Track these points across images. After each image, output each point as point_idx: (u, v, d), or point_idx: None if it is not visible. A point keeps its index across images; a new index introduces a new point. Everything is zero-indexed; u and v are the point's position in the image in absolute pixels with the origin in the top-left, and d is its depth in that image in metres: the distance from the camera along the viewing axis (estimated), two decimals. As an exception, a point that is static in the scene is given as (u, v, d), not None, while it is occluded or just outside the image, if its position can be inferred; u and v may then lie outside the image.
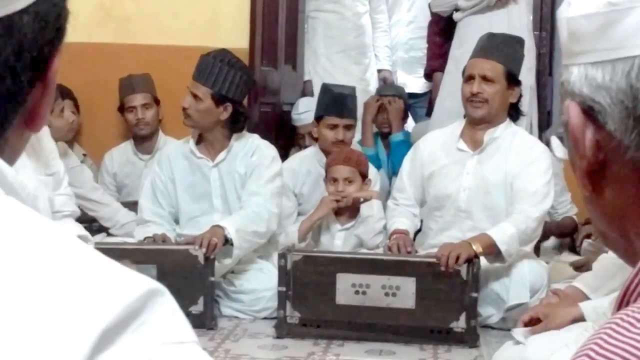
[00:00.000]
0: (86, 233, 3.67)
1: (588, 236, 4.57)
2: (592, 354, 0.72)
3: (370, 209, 4.54)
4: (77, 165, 4.85)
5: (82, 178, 4.78)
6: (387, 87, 6.02)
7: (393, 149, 5.61)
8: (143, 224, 4.49)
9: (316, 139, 4.93)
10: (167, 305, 0.71)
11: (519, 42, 4.55)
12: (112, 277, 0.70)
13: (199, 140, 4.51)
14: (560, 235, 4.92)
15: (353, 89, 5.06)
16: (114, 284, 0.70)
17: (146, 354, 0.67)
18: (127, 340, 0.67)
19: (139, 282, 0.70)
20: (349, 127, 4.88)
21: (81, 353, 0.65)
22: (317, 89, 6.12)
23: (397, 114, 5.70)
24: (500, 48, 4.34)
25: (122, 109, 5.27)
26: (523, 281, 4.15)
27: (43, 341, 0.65)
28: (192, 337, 0.72)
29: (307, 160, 4.90)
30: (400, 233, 4.32)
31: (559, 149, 0.90)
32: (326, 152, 4.76)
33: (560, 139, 0.90)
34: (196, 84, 4.35)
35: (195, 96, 4.34)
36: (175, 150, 4.56)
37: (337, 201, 4.47)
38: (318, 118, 4.89)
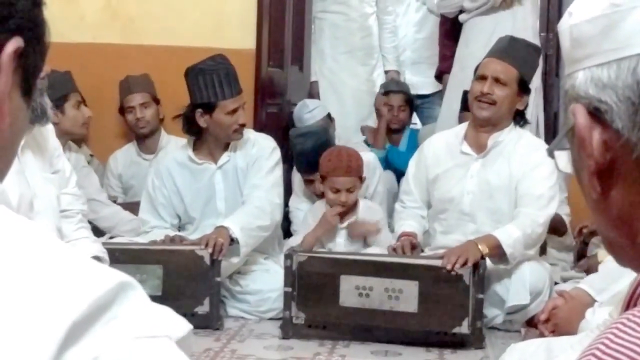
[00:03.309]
0: (103, 254, 3.66)
1: (581, 230, 4.55)
2: (599, 353, 0.73)
3: (369, 209, 4.57)
4: (85, 166, 4.88)
5: (90, 179, 4.80)
6: (391, 82, 6.09)
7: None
8: (145, 233, 4.51)
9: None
10: (138, 298, 0.71)
11: (537, 51, 4.55)
12: (82, 270, 0.70)
13: (196, 146, 4.52)
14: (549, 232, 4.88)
15: (319, 132, 4.88)
16: (84, 277, 0.69)
17: (118, 348, 0.67)
18: (98, 334, 0.67)
19: (110, 276, 0.70)
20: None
21: (51, 346, 0.65)
22: (323, 90, 6.14)
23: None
24: (519, 53, 4.31)
25: (122, 110, 5.28)
26: (523, 283, 4.15)
27: (12, 334, 0.65)
28: (164, 331, 0.71)
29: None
30: (407, 235, 4.32)
31: (562, 162, 0.90)
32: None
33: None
34: (242, 98, 4.42)
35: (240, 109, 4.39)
36: (172, 162, 4.54)
37: (340, 214, 4.47)
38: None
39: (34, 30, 0.80)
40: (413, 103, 6.08)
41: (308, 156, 4.71)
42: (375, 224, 4.50)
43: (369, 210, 4.60)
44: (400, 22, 6.54)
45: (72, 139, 4.90)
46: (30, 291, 0.67)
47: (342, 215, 4.54)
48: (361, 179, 4.52)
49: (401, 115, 5.95)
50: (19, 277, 0.68)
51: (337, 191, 4.45)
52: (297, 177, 5.06)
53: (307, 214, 4.73)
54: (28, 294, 0.67)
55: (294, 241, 4.53)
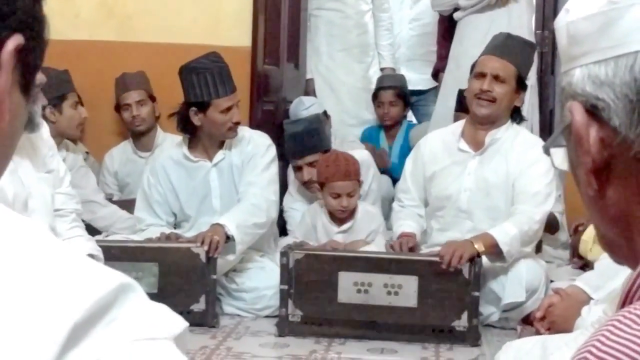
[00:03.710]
0: (98, 252, 3.66)
1: (577, 228, 4.55)
2: (595, 350, 0.73)
3: (367, 214, 4.55)
4: (82, 166, 4.87)
5: (87, 179, 4.80)
6: (384, 78, 6.05)
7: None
8: (141, 231, 4.50)
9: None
10: (139, 300, 0.71)
11: (532, 47, 4.57)
12: (82, 272, 0.70)
13: (191, 144, 4.51)
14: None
15: (312, 119, 4.92)
16: (84, 278, 0.69)
17: (118, 351, 0.67)
18: (99, 336, 0.67)
19: (110, 277, 0.70)
20: (313, 164, 4.71)
21: (53, 348, 0.65)
22: (319, 88, 6.13)
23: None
24: (516, 50, 4.32)
25: (118, 108, 5.28)
26: (519, 280, 4.15)
27: (14, 335, 0.65)
28: (164, 333, 0.71)
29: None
30: (406, 236, 4.31)
31: (558, 159, 0.90)
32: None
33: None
34: (237, 96, 4.39)
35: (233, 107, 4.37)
36: (167, 159, 4.54)
37: (339, 219, 4.51)
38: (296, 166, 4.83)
39: (34, 28, 0.79)
40: (406, 96, 6.04)
41: (297, 138, 4.74)
42: (363, 241, 4.47)
43: (367, 214, 4.58)
44: (394, 19, 6.53)
45: (66, 138, 4.90)
46: (31, 292, 0.67)
47: (342, 220, 4.53)
48: (360, 183, 4.52)
49: (392, 111, 5.91)
50: (20, 278, 0.67)
51: (338, 196, 4.43)
52: (292, 176, 5.06)
53: (304, 215, 4.71)
54: (29, 295, 0.67)
55: (289, 240, 4.53)
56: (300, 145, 4.74)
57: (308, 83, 6.15)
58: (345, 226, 4.54)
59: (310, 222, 4.61)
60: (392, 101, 5.91)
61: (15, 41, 0.77)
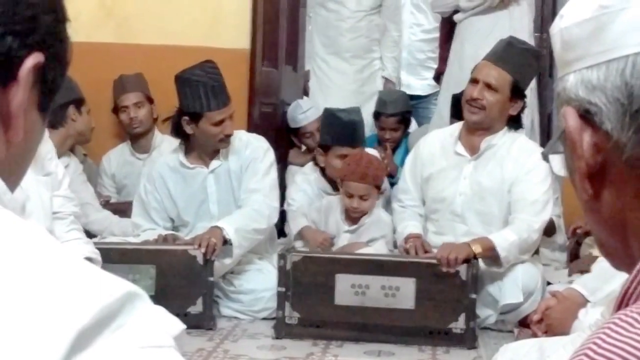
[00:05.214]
0: (96, 255, 3.66)
1: (575, 230, 4.55)
2: (591, 353, 0.73)
3: (378, 221, 4.54)
4: (81, 173, 4.87)
5: (85, 187, 4.80)
6: (389, 102, 5.83)
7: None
8: (138, 236, 4.50)
9: (319, 166, 4.86)
10: (145, 308, 0.71)
11: (535, 55, 4.51)
12: (89, 279, 0.70)
13: (187, 150, 4.50)
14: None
15: (358, 112, 4.91)
16: (91, 285, 0.69)
17: (124, 357, 0.67)
18: (104, 343, 0.67)
19: (117, 285, 0.70)
20: (342, 157, 4.69)
21: (57, 354, 0.65)
22: (312, 86, 6.13)
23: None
24: (514, 59, 4.28)
25: (116, 110, 5.29)
26: (516, 282, 4.16)
27: (19, 341, 0.65)
28: (169, 341, 0.70)
29: (311, 189, 4.86)
30: (415, 237, 4.30)
31: (557, 165, 0.90)
32: (333, 181, 4.71)
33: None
34: (230, 108, 4.35)
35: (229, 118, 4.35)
36: (164, 166, 4.53)
37: (351, 218, 4.51)
38: (325, 146, 4.80)
39: (55, 47, 0.80)
40: (408, 118, 5.90)
41: (338, 127, 4.72)
42: (363, 244, 4.46)
43: (378, 221, 4.54)
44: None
45: (77, 142, 4.91)
46: (38, 298, 0.67)
47: (354, 219, 4.52)
48: (378, 189, 4.50)
49: (394, 136, 5.73)
50: (27, 284, 0.67)
51: (351, 196, 4.43)
52: (291, 173, 5.05)
53: (321, 202, 4.70)
54: (35, 300, 0.67)
55: (300, 220, 4.56)
56: (339, 134, 4.71)
57: (306, 74, 6.16)
58: (354, 227, 4.53)
59: (323, 213, 4.60)
60: (393, 128, 5.79)
61: (34, 59, 0.77)
